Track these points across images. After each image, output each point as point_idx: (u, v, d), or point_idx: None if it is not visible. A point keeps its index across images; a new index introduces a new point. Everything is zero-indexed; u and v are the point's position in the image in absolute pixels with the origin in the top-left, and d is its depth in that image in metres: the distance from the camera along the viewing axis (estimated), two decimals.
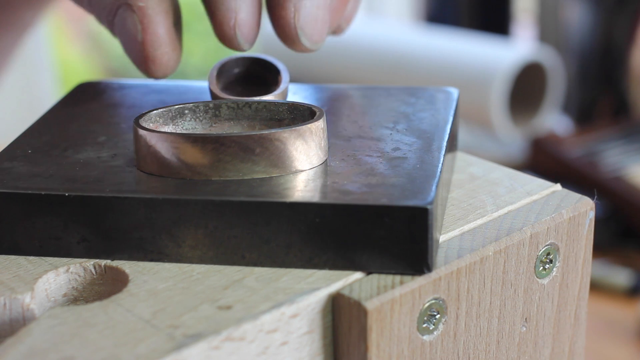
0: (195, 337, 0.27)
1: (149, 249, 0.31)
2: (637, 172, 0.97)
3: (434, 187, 0.30)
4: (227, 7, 0.36)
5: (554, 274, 0.33)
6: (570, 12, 1.14)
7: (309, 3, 0.36)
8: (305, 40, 0.36)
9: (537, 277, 0.33)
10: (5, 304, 0.30)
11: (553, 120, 1.12)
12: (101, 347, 0.27)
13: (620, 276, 0.85)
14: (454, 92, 0.39)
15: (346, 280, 0.30)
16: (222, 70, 0.38)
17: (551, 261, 0.33)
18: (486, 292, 0.31)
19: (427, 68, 1.08)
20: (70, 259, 0.32)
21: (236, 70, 0.39)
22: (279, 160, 0.32)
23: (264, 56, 0.38)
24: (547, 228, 0.33)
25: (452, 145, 0.36)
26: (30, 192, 0.32)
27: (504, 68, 1.02)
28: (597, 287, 0.85)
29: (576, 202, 0.34)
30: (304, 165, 0.32)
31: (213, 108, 0.35)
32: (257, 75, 0.39)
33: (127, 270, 0.31)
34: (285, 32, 0.36)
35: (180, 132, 0.35)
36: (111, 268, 0.31)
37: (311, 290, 0.29)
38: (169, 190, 0.31)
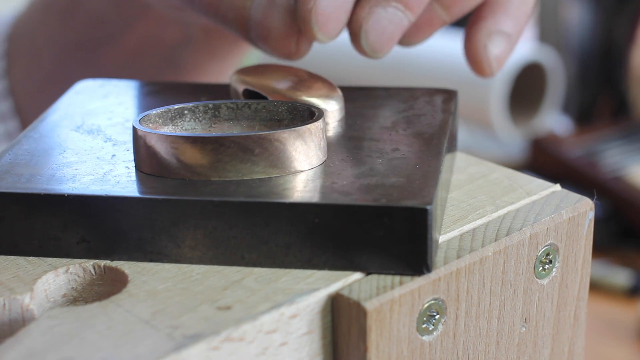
0: (194, 338, 0.27)
1: (149, 249, 0.31)
2: (637, 172, 0.97)
3: (433, 188, 0.30)
4: None
5: (553, 274, 0.33)
6: (570, 12, 1.14)
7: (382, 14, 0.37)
8: (364, 44, 0.37)
9: (537, 278, 0.33)
10: (4, 304, 0.30)
11: (553, 120, 1.12)
12: (100, 347, 0.27)
13: (620, 276, 0.85)
14: (454, 92, 0.39)
15: (345, 281, 0.30)
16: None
17: (551, 261, 0.33)
18: (486, 292, 0.31)
19: (427, 68, 1.08)
20: (69, 259, 0.32)
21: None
22: (279, 161, 0.32)
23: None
24: (547, 228, 0.33)
25: (451, 146, 0.36)
26: (30, 192, 0.32)
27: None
28: (597, 287, 0.85)
29: (576, 202, 0.34)
30: (304, 166, 0.32)
31: (212, 109, 0.35)
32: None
33: (127, 271, 0.31)
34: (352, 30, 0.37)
35: (179, 132, 0.35)
36: (110, 268, 0.31)
37: (310, 290, 0.29)
38: (169, 191, 0.31)
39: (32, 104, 0.55)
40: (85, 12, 0.52)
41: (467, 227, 0.33)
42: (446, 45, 1.09)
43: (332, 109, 0.36)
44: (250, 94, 0.37)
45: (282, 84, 0.36)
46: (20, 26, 0.56)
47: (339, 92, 0.37)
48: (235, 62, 0.53)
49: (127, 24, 0.51)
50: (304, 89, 0.36)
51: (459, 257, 0.31)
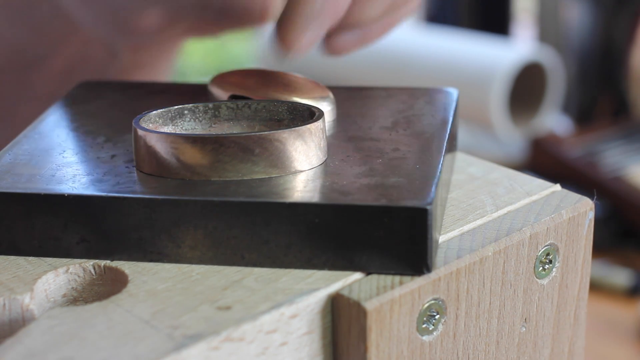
0: (194, 338, 0.27)
1: (149, 249, 0.31)
2: (637, 172, 0.97)
3: (433, 188, 0.30)
4: (299, 23, 0.38)
5: (553, 274, 0.33)
6: (570, 12, 1.14)
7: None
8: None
9: (537, 278, 0.33)
10: (4, 304, 0.30)
11: (553, 120, 1.12)
12: (100, 347, 0.27)
13: (620, 276, 0.85)
14: (454, 92, 0.39)
15: (345, 281, 0.30)
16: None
17: (551, 261, 0.33)
18: (486, 292, 0.31)
19: (427, 68, 1.08)
20: (69, 259, 0.32)
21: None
22: (279, 161, 0.32)
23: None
24: (547, 228, 0.33)
25: (451, 146, 0.36)
26: (30, 192, 0.32)
27: (503, 68, 1.02)
28: (597, 287, 0.85)
29: (576, 202, 0.34)
30: (304, 166, 0.32)
31: (212, 109, 0.35)
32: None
33: (127, 271, 0.31)
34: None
35: (179, 132, 0.35)
36: (111, 268, 0.31)
37: (310, 290, 0.29)
38: (169, 191, 0.31)
39: None
40: (5, 41, 0.53)
41: (467, 227, 0.33)
42: (446, 46, 1.09)
43: (325, 110, 0.36)
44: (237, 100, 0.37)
45: (271, 87, 0.36)
46: None
47: (330, 94, 0.37)
48: (164, 69, 0.55)
49: (53, 48, 0.52)
50: (296, 91, 0.36)
51: (459, 257, 0.31)
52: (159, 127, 0.34)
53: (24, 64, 0.53)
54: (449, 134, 0.35)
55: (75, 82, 0.53)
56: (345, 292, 0.29)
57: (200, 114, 0.35)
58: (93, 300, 0.31)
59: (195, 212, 0.31)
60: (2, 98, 0.54)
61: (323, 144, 0.33)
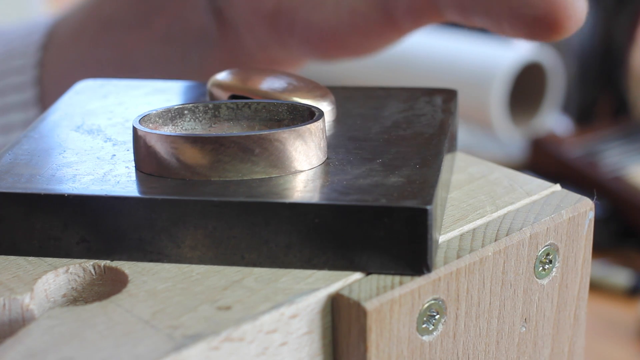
0: (194, 338, 0.27)
1: (149, 249, 0.31)
2: (637, 172, 0.97)
3: (433, 188, 0.30)
4: None
5: (553, 274, 0.33)
6: None
7: None
8: None
9: (537, 278, 0.33)
10: (4, 304, 0.30)
11: (553, 120, 1.12)
12: (100, 347, 0.27)
13: (620, 276, 0.85)
14: (454, 92, 0.39)
15: (345, 281, 0.30)
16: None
17: (551, 261, 0.33)
18: (485, 292, 0.31)
19: (427, 68, 1.08)
20: (69, 259, 0.32)
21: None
22: (279, 161, 0.32)
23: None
24: (547, 228, 0.33)
25: (451, 146, 0.36)
26: (30, 192, 0.32)
27: (503, 68, 1.02)
28: (597, 287, 0.85)
29: (576, 202, 0.34)
30: (304, 166, 0.32)
31: (212, 109, 0.35)
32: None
33: (127, 271, 0.31)
34: None
35: (179, 132, 0.35)
36: (111, 268, 0.31)
37: (310, 290, 0.29)
38: (169, 191, 0.31)
39: (57, 90, 0.55)
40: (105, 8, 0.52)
41: (467, 227, 0.33)
42: (446, 45, 1.09)
43: (325, 110, 0.36)
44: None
45: (271, 87, 0.36)
46: (64, 15, 0.56)
47: (330, 94, 0.37)
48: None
49: (153, 10, 0.51)
50: (296, 91, 0.36)
51: (459, 257, 0.31)
52: (159, 127, 0.34)
53: (132, 18, 0.52)
54: (449, 134, 0.35)
55: (174, 51, 0.52)
56: (345, 292, 0.29)
57: (200, 114, 0.35)
58: (93, 300, 0.31)
59: (195, 212, 0.31)
60: (100, 63, 0.53)
61: (323, 144, 0.33)
